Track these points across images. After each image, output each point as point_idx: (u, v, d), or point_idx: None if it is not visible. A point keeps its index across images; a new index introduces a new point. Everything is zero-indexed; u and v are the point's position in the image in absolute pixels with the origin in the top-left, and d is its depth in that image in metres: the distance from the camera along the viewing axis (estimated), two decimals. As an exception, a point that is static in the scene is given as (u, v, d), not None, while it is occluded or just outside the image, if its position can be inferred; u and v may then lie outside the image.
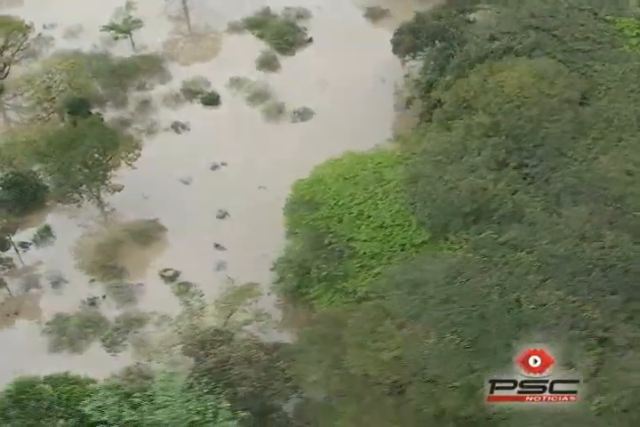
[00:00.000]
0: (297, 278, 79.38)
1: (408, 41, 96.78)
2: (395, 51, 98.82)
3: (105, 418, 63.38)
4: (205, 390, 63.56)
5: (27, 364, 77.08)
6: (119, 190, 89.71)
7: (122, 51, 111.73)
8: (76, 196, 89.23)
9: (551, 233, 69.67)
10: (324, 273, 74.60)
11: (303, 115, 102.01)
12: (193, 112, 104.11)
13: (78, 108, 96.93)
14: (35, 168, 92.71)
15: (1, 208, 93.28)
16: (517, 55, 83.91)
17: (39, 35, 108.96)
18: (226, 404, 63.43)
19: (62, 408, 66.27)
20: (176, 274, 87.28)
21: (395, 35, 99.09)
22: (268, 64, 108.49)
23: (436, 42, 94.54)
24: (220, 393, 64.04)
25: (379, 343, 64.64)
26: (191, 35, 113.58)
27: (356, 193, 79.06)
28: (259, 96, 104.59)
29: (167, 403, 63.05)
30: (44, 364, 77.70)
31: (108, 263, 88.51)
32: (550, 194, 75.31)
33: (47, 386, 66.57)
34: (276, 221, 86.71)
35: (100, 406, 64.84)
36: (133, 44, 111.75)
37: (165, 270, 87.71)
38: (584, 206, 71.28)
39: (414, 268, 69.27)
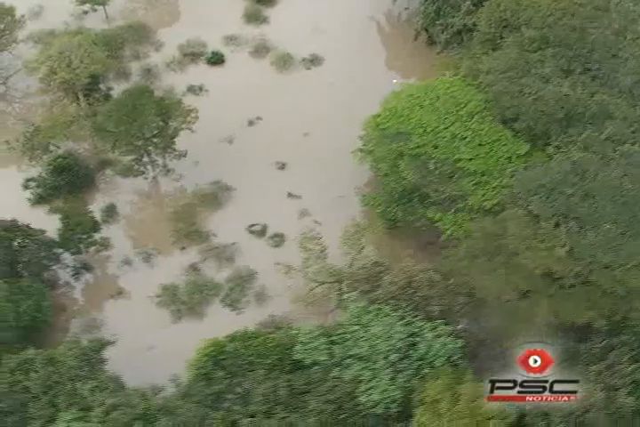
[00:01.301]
0: (401, 207, 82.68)
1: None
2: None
3: (316, 359, 65.55)
4: (407, 315, 66.84)
5: (158, 337, 78.72)
6: (184, 156, 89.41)
7: (94, 24, 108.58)
8: (142, 168, 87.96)
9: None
10: (445, 195, 78.12)
11: (314, 61, 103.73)
12: (201, 73, 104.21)
13: (93, 85, 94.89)
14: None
15: (59, 194, 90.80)
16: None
17: (13, 18, 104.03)
18: (438, 322, 67.03)
19: (260, 360, 67.69)
20: (264, 228, 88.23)
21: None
22: (255, 18, 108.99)
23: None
24: (416, 316, 67.90)
25: (546, 243, 69.62)
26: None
27: (439, 119, 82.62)
28: (261, 50, 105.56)
29: (381, 333, 65.98)
30: (176, 333, 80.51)
31: (191, 229, 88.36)
32: (624, 91, 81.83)
33: (234, 343, 67.94)
34: (339, 162, 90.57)
35: (308, 349, 66.89)
36: (107, 15, 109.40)
37: (252, 226, 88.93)
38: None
39: (540, 173, 73.98)
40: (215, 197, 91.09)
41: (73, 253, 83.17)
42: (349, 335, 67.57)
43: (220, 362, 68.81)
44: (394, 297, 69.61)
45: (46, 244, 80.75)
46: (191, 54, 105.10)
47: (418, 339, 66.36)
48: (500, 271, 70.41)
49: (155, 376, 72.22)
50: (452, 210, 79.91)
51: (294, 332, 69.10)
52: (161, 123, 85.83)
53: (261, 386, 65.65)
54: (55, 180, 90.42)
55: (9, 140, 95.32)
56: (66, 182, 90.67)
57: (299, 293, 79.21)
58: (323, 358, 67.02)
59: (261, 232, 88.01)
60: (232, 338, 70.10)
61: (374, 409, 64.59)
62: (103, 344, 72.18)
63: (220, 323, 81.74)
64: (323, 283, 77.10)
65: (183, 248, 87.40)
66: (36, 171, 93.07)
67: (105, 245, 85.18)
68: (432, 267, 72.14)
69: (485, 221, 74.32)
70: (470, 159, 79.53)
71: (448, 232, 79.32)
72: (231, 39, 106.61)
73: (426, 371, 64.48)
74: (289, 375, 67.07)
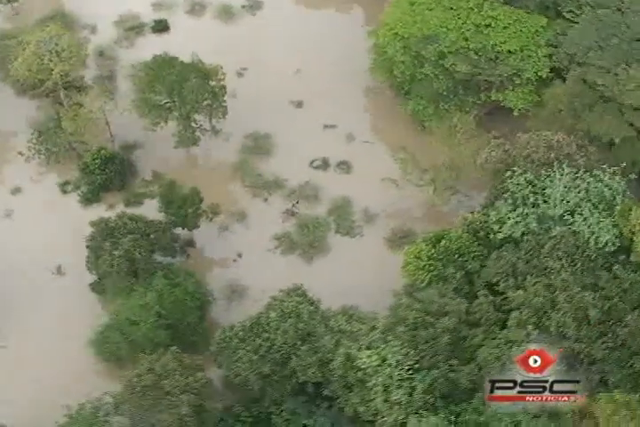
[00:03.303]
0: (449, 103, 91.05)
1: None
2: None
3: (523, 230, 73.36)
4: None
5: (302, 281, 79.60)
6: (226, 114, 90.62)
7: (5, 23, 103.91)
8: (195, 135, 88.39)
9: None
10: (501, 76, 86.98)
11: (253, 6, 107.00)
12: (155, 43, 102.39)
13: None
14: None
15: (109, 188, 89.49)
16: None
17: None
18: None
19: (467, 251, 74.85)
20: (325, 160, 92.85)
21: None
22: None
23: None
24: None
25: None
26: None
27: (454, 16, 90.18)
28: (196, 7, 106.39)
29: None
30: (317, 272, 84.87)
31: (261, 180, 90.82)
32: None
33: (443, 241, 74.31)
34: (344, 87, 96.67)
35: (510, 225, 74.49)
36: (17, 12, 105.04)
37: (312, 162, 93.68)
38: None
39: (582, 32, 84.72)
40: (261, 146, 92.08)
41: (190, 229, 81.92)
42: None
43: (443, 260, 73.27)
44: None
45: (168, 227, 79.14)
46: (132, 28, 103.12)
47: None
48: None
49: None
50: (511, 87, 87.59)
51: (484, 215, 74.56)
52: (208, 86, 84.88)
53: (499, 262, 71.37)
54: (103, 172, 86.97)
55: (20, 151, 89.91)
56: (113, 175, 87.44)
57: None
58: (533, 225, 73.86)
59: (324, 165, 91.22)
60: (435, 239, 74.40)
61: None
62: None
63: (348, 251, 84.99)
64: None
65: (266, 200, 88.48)
66: (69, 174, 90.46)
67: (215, 211, 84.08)
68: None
69: (555, 85, 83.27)
70: (504, 42, 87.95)
71: (519, 105, 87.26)
72: (161, 5, 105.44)
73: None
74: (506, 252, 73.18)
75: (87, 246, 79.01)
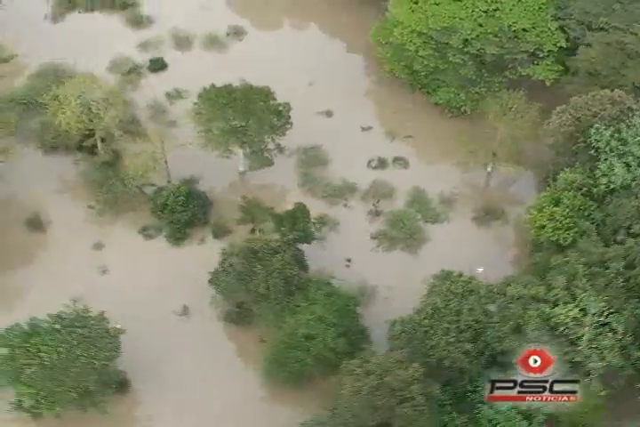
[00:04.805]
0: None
1: None
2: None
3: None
4: None
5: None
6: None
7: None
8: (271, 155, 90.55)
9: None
10: (526, 51, 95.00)
11: (237, 32, 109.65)
12: (159, 81, 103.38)
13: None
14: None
15: (194, 223, 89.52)
16: None
17: None
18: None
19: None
20: (380, 159, 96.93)
21: None
22: (137, 22, 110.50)
23: None
24: None
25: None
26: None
27: (459, 7, 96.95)
28: (180, 41, 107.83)
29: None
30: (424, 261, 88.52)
31: (335, 186, 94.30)
32: None
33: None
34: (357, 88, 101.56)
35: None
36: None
37: (370, 162, 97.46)
38: None
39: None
40: (316, 158, 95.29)
41: (309, 242, 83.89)
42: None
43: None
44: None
45: (293, 244, 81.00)
46: (130, 71, 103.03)
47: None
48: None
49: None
50: (536, 62, 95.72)
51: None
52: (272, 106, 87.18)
53: (622, 209, 78.96)
54: (186, 209, 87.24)
55: (90, 204, 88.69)
56: (199, 206, 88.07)
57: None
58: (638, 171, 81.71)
59: (382, 164, 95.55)
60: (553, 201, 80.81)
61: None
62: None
63: (445, 236, 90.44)
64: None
65: (345, 205, 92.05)
66: (143, 218, 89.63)
67: (322, 221, 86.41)
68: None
69: (583, 52, 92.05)
70: (516, 22, 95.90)
71: (550, 76, 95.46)
72: (146, 45, 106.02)
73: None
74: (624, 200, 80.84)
75: (211, 281, 79.87)
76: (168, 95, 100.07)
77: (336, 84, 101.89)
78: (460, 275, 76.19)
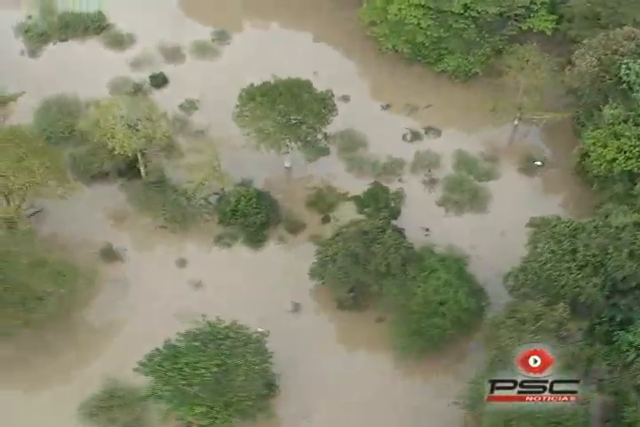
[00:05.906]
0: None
1: None
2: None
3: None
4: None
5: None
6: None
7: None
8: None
9: None
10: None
11: (221, 38, 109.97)
12: (165, 96, 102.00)
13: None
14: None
15: (267, 224, 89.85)
16: None
17: None
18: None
19: None
20: (413, 132, 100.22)
21: None
22: (118, 42, 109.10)
23: None
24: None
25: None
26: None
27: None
28: (172, 54, 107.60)
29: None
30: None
31: (382, 169, 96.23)
32: None
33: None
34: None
35: None
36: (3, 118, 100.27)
37: (404, 136, 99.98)
38: None
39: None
40: (352, 140, 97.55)
41: (396, 218, 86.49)
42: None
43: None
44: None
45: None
46: (135, 91, 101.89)
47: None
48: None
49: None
50: (531, 15, 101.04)
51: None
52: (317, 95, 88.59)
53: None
54: (259, 210, 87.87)
55: (162, 225, 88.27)
56: (269, 206, 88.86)
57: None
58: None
59: (416, 136, 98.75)
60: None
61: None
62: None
63: (507, 191, 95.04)
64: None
65: (400, 180, 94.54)
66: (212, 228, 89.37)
67: (400, 195, 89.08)
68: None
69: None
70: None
71: (550, 26, 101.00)
72: (138, 63, 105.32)
73: None
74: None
75: (312, 273, 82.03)
76: (182, 107, 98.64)
77: (338, 70, 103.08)
78: (559, 217, 79.15)
